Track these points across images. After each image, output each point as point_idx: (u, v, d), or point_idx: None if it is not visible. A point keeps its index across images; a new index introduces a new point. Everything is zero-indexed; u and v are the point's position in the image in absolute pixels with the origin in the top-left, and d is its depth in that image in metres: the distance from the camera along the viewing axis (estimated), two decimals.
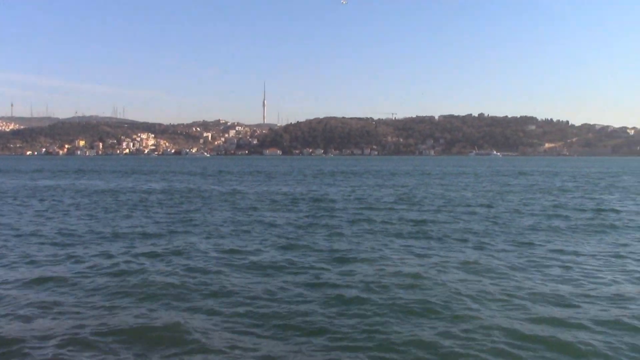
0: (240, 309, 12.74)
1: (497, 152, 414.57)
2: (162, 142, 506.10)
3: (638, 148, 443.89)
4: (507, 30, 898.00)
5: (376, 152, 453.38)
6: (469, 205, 37.97)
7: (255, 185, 64.13)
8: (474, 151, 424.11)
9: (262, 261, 18.11)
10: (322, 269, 17.00)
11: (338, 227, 26.45)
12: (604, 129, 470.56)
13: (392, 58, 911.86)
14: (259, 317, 12.20)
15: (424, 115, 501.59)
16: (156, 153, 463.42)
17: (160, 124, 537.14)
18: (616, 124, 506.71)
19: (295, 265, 17.59)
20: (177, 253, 19.64)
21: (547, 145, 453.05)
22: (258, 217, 30.71)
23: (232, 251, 20.07)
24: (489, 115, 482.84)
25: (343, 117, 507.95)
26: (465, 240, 22.56)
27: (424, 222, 28.52)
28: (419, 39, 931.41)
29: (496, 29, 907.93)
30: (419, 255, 19.21)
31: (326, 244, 21.71)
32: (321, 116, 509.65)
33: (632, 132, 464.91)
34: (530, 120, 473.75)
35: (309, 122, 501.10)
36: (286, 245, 21.47)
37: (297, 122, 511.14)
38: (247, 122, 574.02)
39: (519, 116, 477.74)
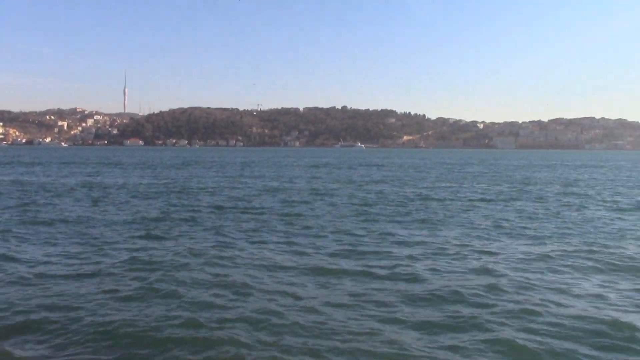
0: None
1: (360, 144, 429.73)
2: (11, 130, 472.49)
3: (486, 141, 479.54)
4: (368, 25, 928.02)
5: (241, 143, 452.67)
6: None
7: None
8: (340, 143, 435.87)
9: None
10: None
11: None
12: (457, 122, 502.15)
13: (257, 50, 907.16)
14: None
15: (289, 107, 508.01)
16: (5, 143, 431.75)
17: (9, 112, 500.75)
18: (467, 118, 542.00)
19: None
20: None
21: (405, 137, 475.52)
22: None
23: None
24: (352, 108, 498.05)
25: (208, 108, 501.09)
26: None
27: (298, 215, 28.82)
28: (283, 31, 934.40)
29: (357, 24, 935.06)
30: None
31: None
32: (185, 106, 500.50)
33: (481, 126, 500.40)
34: (391, 113, 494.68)
35: (172, 112, 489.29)
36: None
37: (160, 111, 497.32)
38: (106, 111, 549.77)
39: (380, 109, 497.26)
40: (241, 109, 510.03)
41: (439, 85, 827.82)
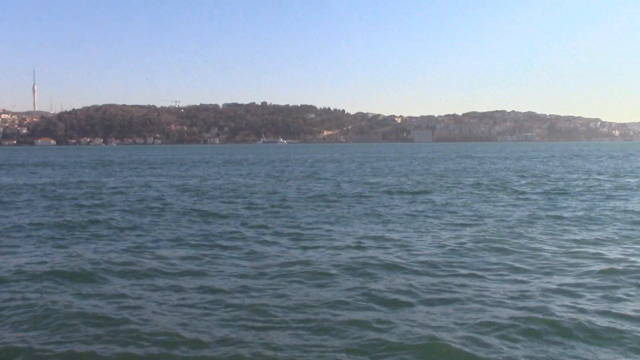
0: None
1: (283, 139, 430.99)
2: None
3: (404, 134, 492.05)
4: (284, 20, 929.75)
5: (160, 141, 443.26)
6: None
7: None
8: (262, 139, 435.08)
9: None
10: None
11: None
12: (375, 117, 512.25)
13: (174, 46, 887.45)
14: None
15: (208, 103, 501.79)
16: None
17: None
18: (386, 113, 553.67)
19: None
20: None
21: (325, 132, 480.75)
22: None
23: None
24: (272, 104, 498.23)
25: (124, 105, 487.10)
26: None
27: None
28: (199, 27, 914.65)
29: (273, 18, 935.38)
30: None
31: None
32: (99, 103, 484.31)
33: (399, 120, 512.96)
34: (310, 109, 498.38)
35: (86, 110, 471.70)
36: None
37: (73, 109, 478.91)
38: (14, 110, 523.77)
39: (299, 105, 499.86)
40: (159, 106, 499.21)
41: (358, 81, 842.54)
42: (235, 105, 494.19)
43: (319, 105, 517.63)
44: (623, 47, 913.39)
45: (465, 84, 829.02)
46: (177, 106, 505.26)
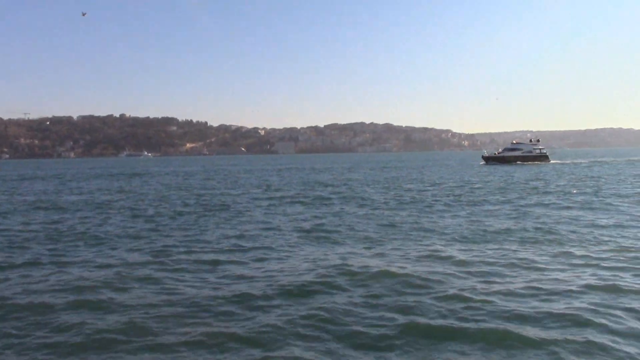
0: None
1: (147, 152, 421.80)
2: None
3: (267, 146, 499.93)
4: (141, 32, 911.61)
5: (7, 156, 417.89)
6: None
7: None
8: (125, 152, 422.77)
9: None
10: None
11: None
12: (239, 129, 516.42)
13: (20, 54, 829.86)
14: None
15: (61, 115, 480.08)
16: None
17: None
18: (249, 125, 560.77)
19: None
20: None
21: (188, 145, 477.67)
22: None
23: None
24: (131, 116, 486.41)
25: None
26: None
27: None
28: (44, 35, 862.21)
29: (131, 30, 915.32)
30: None
31: None
32: None
33: (262, 132, 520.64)
34: (172, 121, 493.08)
35: None
36: None
37: None
38: None
39: (160, 117, 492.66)
40: (5, 118, 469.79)
41: (221, 93, 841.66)
42: (91, 117, 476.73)
43: (181, 117, 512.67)
44: (471, 66, 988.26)
45: (327, 96, 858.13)
46: (26, 118, 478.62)
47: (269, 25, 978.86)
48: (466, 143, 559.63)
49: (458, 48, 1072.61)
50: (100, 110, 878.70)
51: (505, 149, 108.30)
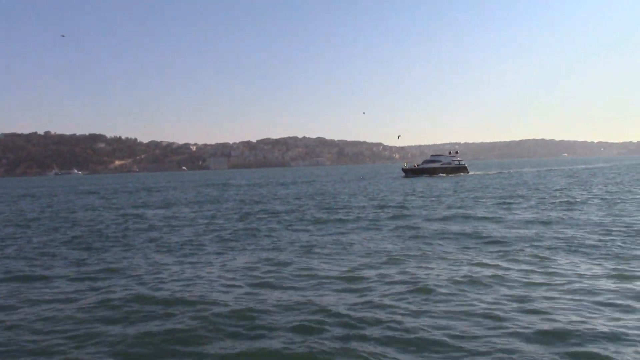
0: None
1: (78, 170, 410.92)
2: None
3: (200, 162, 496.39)
4: (61, 45, 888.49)
5: None
6: None
7: None
8: (55, 170, 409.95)
9: None
10: None
11: None
12: (170, 145, 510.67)
13: None
14: None
15: None
16: None
17: None
18: (180, 140, 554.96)
19: None
20: None
21: (117, 162, 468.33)
22: None
23: None
24: (56, 133, 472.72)
25: None
26: None
27: None
28: None
29: (51, 45, 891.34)
30: None
31: None
32: None
33: (194, 148, 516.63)
34: (100, 138, 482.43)
35: None
36: None
37: None
38: None
39: (87, 134, 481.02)
40: None
41: (150, 108, 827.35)
42: (14, 135, 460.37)
43: (109, 134, 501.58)
44: (399, 80, 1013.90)
45: (259, 111, 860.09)
46: None
47: (197, 38, 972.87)
48: (397, 156, 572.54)
49: (386, 62, 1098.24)
50: (24, 128, 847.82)
51: (425, 161, 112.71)
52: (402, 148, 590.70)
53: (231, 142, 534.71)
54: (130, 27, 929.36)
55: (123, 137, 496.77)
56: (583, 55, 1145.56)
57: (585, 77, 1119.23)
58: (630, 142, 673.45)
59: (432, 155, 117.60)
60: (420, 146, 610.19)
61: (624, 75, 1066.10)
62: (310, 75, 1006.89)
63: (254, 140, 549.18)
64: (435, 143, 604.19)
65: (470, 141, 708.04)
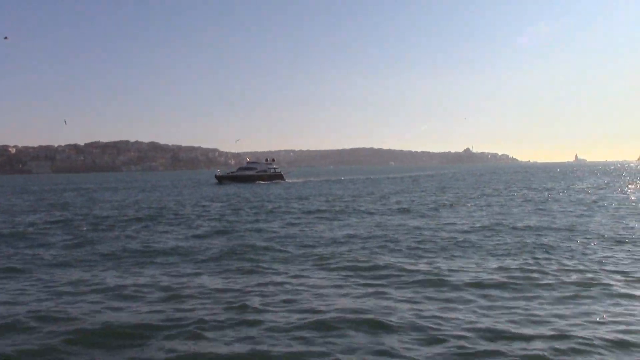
0: None
1: None
2: None
3: (20, 166, 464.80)
4: None
5: None
6: None
7: None
8: None
9: None
10: None
11: None
12: None
13: None
14: None
15: None
16: None
17: None
18: None
19: None
20: None
21: None
22: None
23: None
24: None
25: None
26: None
27: None
28: None
29: None
30: None
31: None
32: None
33: (14, 150, 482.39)
34: None
35: None
36: None
37: None
38: None
39: None
40: None
41: None
42: None
43: None
44: (231, 87, 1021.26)
45: (86, 112, 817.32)
46: None
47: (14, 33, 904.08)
48: (232, 162, 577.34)
49: (215, 68, 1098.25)
50: None
51: (240, 168, 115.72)
52: (239, 154, 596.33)
53: (56, 145, 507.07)
54: None
55: None
56: (407, 73, 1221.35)
57: (416, 92, 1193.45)
58: (449, 152, 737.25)
59: (247, 163, 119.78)
60: (255, 152, 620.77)
61: (448, 92, 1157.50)
62: (141, 78, 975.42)
63: (81, 143, 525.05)
64: (271, 150, 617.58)
65: (305, 148, 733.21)
